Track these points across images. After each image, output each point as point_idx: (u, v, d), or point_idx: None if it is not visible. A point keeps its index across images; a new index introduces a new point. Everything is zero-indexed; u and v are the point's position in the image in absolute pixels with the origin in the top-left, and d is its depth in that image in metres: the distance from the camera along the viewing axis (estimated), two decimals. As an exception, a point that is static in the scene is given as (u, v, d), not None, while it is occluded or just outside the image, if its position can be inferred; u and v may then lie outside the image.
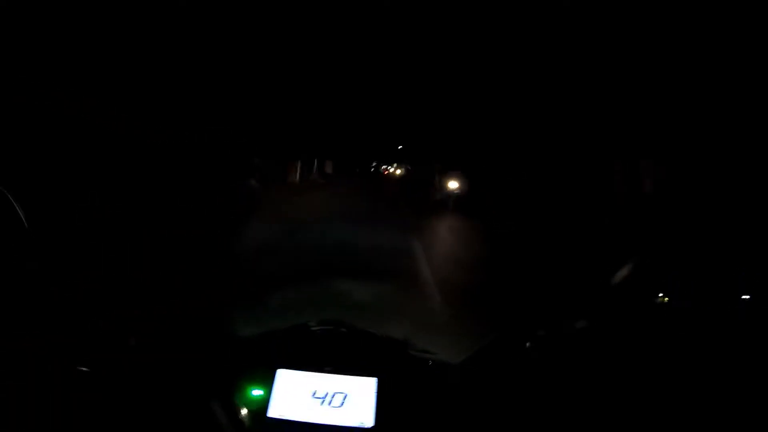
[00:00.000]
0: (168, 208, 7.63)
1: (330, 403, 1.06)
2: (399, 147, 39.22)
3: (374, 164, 41.72)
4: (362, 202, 11.54)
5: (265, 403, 1.06)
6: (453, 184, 13.41)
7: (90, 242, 5.20)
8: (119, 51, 7.43)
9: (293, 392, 1.07)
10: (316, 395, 1.07)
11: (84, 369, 1.17)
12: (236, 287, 3.14)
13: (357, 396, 1.07)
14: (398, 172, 42.18)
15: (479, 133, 15.70)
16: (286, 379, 1.09)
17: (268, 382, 1.08)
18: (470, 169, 13.97)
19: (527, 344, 1.34)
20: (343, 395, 1.06)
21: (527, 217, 9.10)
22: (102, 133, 7.04)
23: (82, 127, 6.71)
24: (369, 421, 1.05)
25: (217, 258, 4.87)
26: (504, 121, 13.77)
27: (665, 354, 1.55)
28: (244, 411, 1.07)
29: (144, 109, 8.17)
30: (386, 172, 43.64)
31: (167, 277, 3.97)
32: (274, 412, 1.06)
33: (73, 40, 6.62)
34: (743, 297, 1.97)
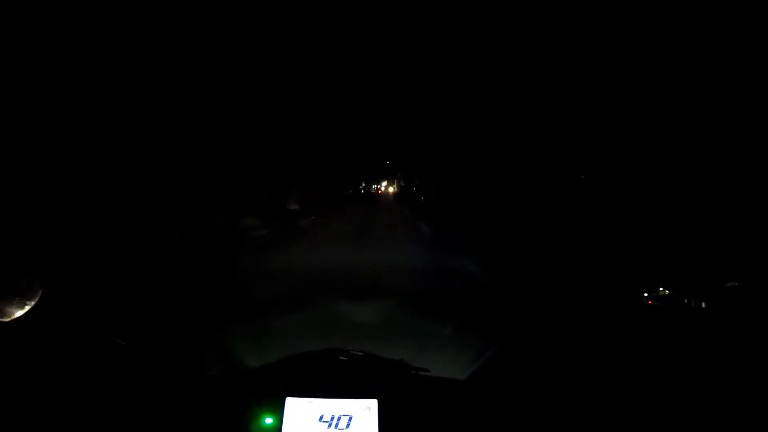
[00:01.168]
0: (168, 208, 7.64)
1: (337, 426, 1.16)
2: (387, 162, 39.18)
3: (364, 185, 41.50)
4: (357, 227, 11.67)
5: (277, 430, 1.16)
6: (446, 197, 13.24)
7: (90, 242, 5.21)
8: (119, 51, 7.42)
9: (302, 418, 1.18)
10: (323, 419, 1.17)
11: (87, 366, 1.19)
12: (236, 308, 3.16)
13: (361, 417, 1.17)
14: (390, 189, 42.32)
15: (466, 144, 15.57)
16: (294, 406, 1.19)
17: (278, 411, 1.17)
18: (462, 181, 13.85)
19: (528, 354, 1.38)
20: (348, 417, 1.16)
21: (520, 224, 9.11)
22: (102, 133, 7.05)
23: (82, 127, 6.71)
24: None
25: (216, 272, 4.85)
26: (485, 133, 13.69)
27: (664, 353, 1.55)
28: None
29: (144, 109, 8.17)
30: (379, 191, 43.69)
31: (167, 277, 3.97)
32: None
33: (73, 40, 6.62)
34: (730, 284, 1.98)
